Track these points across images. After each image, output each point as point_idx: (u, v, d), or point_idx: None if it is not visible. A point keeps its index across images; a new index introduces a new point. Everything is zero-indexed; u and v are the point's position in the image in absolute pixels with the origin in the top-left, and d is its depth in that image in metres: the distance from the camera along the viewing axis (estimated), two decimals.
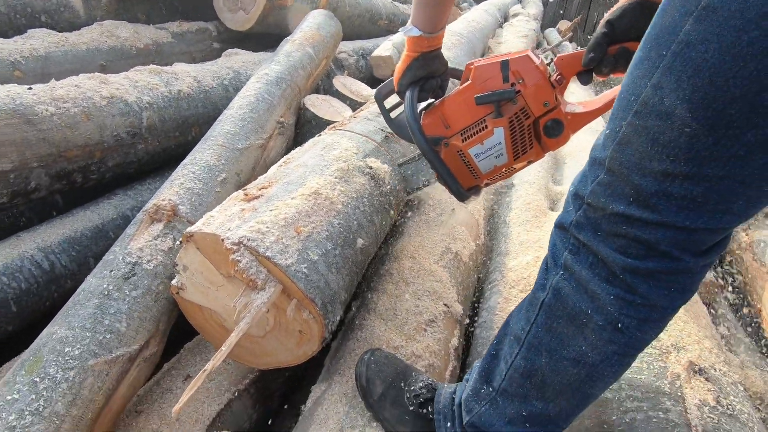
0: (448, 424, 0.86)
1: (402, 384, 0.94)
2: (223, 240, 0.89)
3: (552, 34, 6.17)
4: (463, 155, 1.00)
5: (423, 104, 1.05)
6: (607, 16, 0.85)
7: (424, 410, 0.90)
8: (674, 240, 0.59)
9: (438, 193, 1.63)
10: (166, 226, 1.15)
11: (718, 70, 0.50)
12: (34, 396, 0.82)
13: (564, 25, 6.99)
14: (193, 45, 2.53)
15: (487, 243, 1.74)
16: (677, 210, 0.57)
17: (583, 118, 0.94)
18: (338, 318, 0.98)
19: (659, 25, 0.56)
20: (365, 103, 2.06)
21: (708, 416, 0.85)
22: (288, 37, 2.06)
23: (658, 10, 0.57)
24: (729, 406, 0.89)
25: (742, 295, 1.92)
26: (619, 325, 0.64)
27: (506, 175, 1.03)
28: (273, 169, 1.20)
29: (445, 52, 1.07)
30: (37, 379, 0.84)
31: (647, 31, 0.58)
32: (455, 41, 2.82)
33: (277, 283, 0.88)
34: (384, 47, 2.68)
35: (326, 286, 0.94)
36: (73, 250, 1.37)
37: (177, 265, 0.99)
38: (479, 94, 0.93)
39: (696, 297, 1.25)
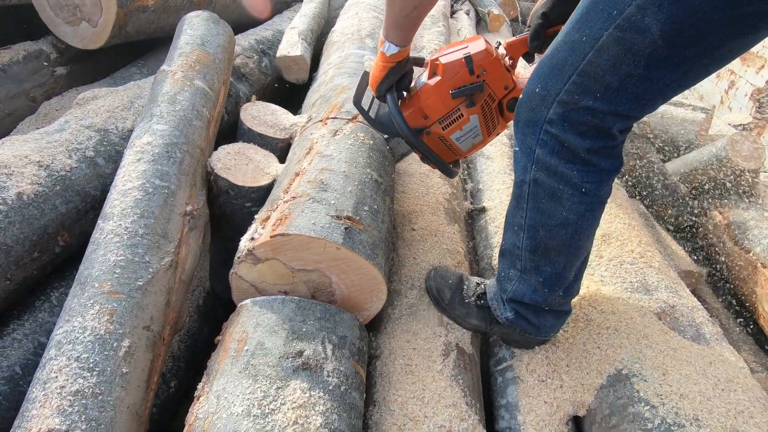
0: (501, 305, 1.13)
1: (461, 287, 1.19)
2: None
3: None
4: (445, 140, 1.17)
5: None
6: (539, 7, 1.07)
7: (482, 301, 1.17)
8: (620, 124, 0.83)
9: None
10: None
11: (692, 4, 0.68)
12: None
13: None
14: (25, 80, 1.81)
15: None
16: (627, 102, 0.79)
17: None
18: None
19: None
20: (288, 138, 1.62)
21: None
22: (163, 67, 1.50)
23: None
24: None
25: (728, 283, 1.87)
26: (583, 189, 0.89)
27: (481, 147, 1.23)
28: None
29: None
30: None
31: None
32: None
33: None
34: (290, 42, 2.14)
35: None
36: None
37: None
38: (454, 90, 1.09)
39: None
